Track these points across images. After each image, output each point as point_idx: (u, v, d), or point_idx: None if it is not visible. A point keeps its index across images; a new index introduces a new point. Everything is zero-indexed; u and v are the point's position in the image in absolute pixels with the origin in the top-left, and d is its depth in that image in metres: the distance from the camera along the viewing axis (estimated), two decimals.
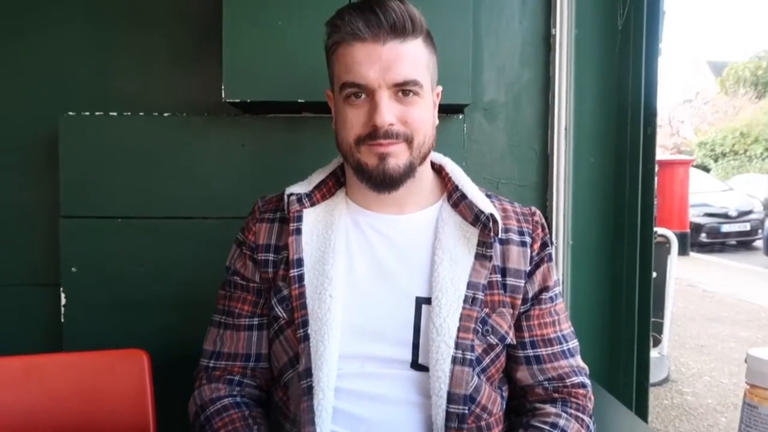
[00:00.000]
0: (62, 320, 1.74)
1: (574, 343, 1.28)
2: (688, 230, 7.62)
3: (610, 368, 1.87)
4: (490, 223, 1.20)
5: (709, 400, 4.13)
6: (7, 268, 1.88)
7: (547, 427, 1.17)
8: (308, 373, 1.15)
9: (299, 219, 1.24)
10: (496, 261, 1.23)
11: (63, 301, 1.74)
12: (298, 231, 1.24)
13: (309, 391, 1.14)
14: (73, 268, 1.74)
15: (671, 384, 4.40)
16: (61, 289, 1.74)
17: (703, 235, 10.86)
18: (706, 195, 11.02)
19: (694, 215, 9.87)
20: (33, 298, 1.86)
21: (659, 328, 4.19)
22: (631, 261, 1.84)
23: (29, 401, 1.23)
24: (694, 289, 7.59)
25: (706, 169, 14.79)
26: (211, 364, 1.27)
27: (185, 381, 1.34)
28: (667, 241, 4.24)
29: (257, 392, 1.28)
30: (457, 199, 1.25)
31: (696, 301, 6.98)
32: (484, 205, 1.22)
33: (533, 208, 1.32)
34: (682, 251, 6.52)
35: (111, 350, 1.30)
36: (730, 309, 6.56)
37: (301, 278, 1.21)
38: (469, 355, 1.14)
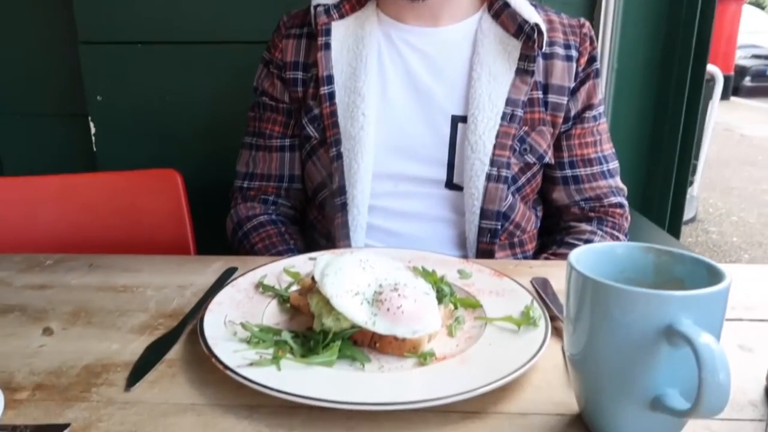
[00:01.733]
0: (94, 149, 1.74)
1: (614, 164, 1.23)
2: (733, 73, 7.21)
3: (644, 199, 1.85)
4: (535, 35, 1.11)
5: (734, 238, 4.17)
6: (35, 98, 1.85)
7: (581, 243, 1.16)
8: (342, 190, 1.14)
9: (327, 33, 1.16)
10: (538, 77, 1.15)
11: (93, 130, 1.73)
12: (327, 46, 1.16)
13: (343, 207, 1.14)
14: (98, 97, 1.71)
15: (698, 223, 4.43)
16: (90, 118, 1.72)
17: (748, 78, 10.31)
18: (756, 35, 10.27)
19: (740, 57, 9.29)
20: (64, 128, 1.86)
21: (692, 170, 4.12)
22: (679, 95, 1.74)
23: (68, 217, 1.27)
24: (731, 133, 7.37)
25: (761, 6, 13.65)
26: (245, 185, 1.27)
27: (220, 202, 1.36)
28: (712, 78, 4.02)
29: (292, 212, 1.29)
30: (498, 9, 1.14)
31: (732, 145, 6.81)
32: (529, 14, 1.12)
33: (582, 20, 1.21)
34: (723, 95, 6.24)
35: (144, 170, 1.30)
36: (766, 153, 6.40)
37: (332, 96, 1.16)
38: (504, 173, 1.11)
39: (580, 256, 0.56)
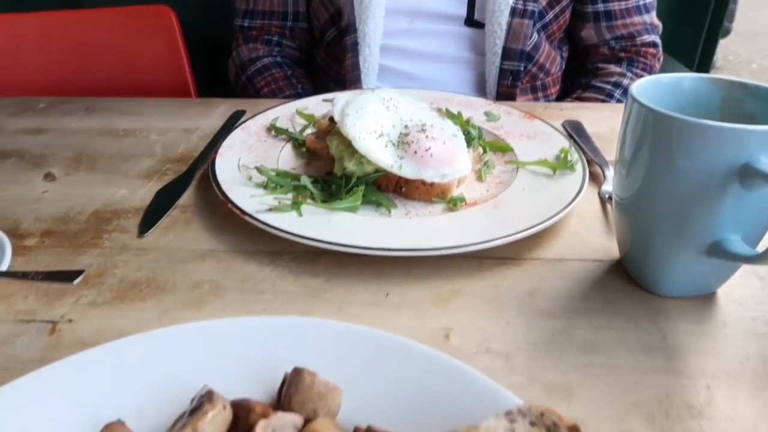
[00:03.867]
0: None
1: None
2: None
3: (673, 40, 1.72)
4: None
5: None
6: None
7: (609, 87, 1.09)
8: (352, 28, 1.04)
9: None
10: None
11: None
12: None
13: (354, 47, 1.04)
14: None
15: (716, 71, 4.25)
16: None
17: None
18: None
19: None
20: None
21: (729, 15, 3.87)
22: None
23: (55, 59, 1.17)
24: None
25: None
26: (246, 24, 1.16)
27: (219, 44, 1.25)
28: None
29: (298, 53, 1.19)
30: None
31: None
32: None
33: None
34: None
35: (134, 6, 1.17)
36: None
37: None
38: (530, 6, 1.00)
39: (642, 87, 0.49)
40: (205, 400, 0.38)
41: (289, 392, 0.39)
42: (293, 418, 0.38)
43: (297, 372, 0.39)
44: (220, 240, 0.62)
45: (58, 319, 0.52)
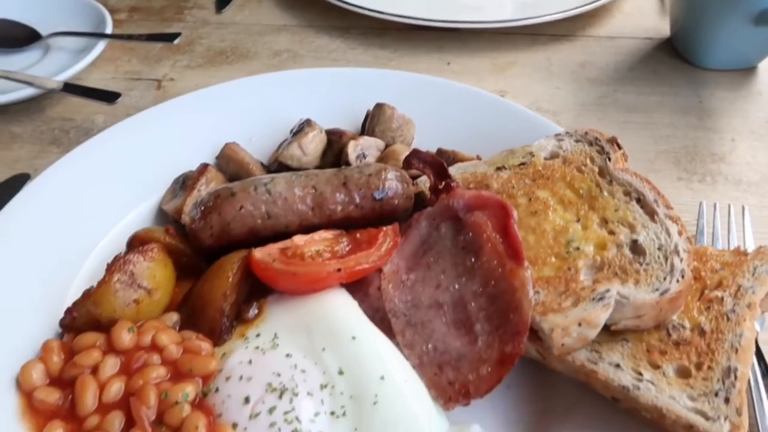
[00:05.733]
0: None
1: None
2: None
3: None
4: None
5: None
6: None
7: None
8: None
9: None
10: None
11: None
12: None
13: None
14: None
15: None
16: None
17: None
18: None
19: None
20: None
21: None
22: None
23: None
24: None
25: None
26: None
27: None
28: None
29: None
30: None
31: None
32: None
33: None
34: None
35: None
36: None
37: None
38: None
39: None
40: (305, 125, 0.47)
41: (373, 123, 0.47)
42: (376, 142, 0.46)
43: (379, 106, 0.47)
44: (292, 15, 0.67)
45: (161, 78, 0.60)
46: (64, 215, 0.44)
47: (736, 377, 0.31)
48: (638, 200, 0.39)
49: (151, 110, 0.51)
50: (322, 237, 0.40)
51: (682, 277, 0.34)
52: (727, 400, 0.31)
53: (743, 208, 0.46)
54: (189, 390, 0.33)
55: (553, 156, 0.43)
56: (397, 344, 0.36)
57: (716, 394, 0.31)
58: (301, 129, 0.48)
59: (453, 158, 0.46)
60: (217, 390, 0.34)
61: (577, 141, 0.43)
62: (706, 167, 0.50)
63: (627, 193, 0.39)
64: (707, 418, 0.31)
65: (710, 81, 0.56)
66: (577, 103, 0.55)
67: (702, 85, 0.56)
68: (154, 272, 0.38)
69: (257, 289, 0.39)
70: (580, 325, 0.33)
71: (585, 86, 0.57)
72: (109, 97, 0.60)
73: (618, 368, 0.33)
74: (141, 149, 0.49)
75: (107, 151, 0.49)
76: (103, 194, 0.46)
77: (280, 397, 0.32)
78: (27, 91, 0.60)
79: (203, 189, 0.44)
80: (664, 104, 0.55)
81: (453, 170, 0.43)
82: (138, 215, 0.46)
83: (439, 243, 0.39)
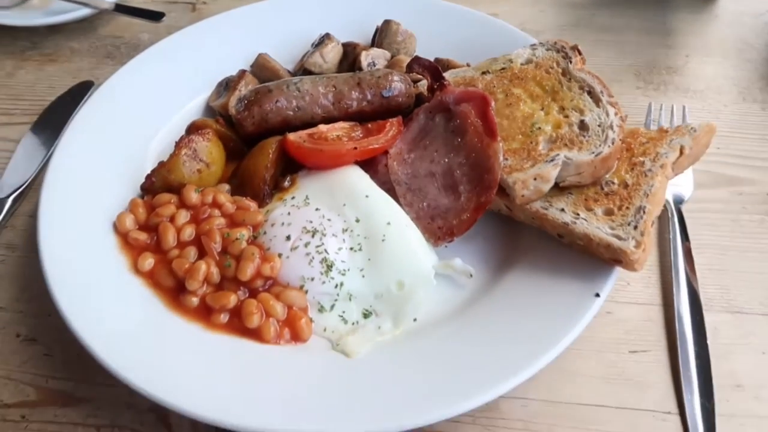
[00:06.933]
0: None
1: None
2: None
3: None
4: None
5: None
6: None
7: None
8: None
9: None
10: None
11: None
12: None
13: None
14: None
15: None
16: None
17: None
18: None
19: None
20: None
21: None
22: None
23: None
24: None
25: None
26: None
27: None
28: None
29: None
30: None
31: None
32: None
33: None
34: None
35: None
36: None
37: None
38: None
39: None
40: (325, 38, 0.56)
41: (381, 36, 0.56)
42: (384, 53, 0.56)
43: (387, 22, 0.56)
44: None
45: (195, 1, 0.69)
46: (136, 108, 0.55)
47: (644, 213, 0.42)
48: (589, 92, 0.48)
49: (195, 25, 0.61)
50: (341, 126, 0.50)
51: (612, 143, 0.44)
52: (635, 227, 0.41)
53: (684, 107, 0.55)
54: (244, 232, 0.44)
55: (528, 62, 0.52)
56: (400, 205, 0.47)
57: (629, 224, 0.42)
58: (322, 41, 0.57)
59: (447, 65, 0.56)
60: (264, 233, 0.45)
61: (547, 50, 0.52)
62: (661, 78, 0.59)
63: (581, 88, 0.49)
64: (620, 239, 0.41)
65: (676, 5, 0.65)
66: (558, 24, 0.64)
67: (668, 9, 0.64)
68: (211, 149, 0.49)
69: (290, 168, 0.50)
70: (536, 179, 0.43)
71: (566, 10, 0.66)
72: (155, 16, 0.69)
73: (562, 211, 0.43)
74: (188, 58, 0.59)
75: (162, 60, 0.58)
76: (162, 94, 0.56)
77: (313, 236, 0.44)
78: (83, 11, 0.69)
79: (243, 89, 0.54)
80: (632, 25, 0.63)
81: (447, 75, 0.52)
82: (188, 111, 0.56)
83: (434, 129, 0.49)
